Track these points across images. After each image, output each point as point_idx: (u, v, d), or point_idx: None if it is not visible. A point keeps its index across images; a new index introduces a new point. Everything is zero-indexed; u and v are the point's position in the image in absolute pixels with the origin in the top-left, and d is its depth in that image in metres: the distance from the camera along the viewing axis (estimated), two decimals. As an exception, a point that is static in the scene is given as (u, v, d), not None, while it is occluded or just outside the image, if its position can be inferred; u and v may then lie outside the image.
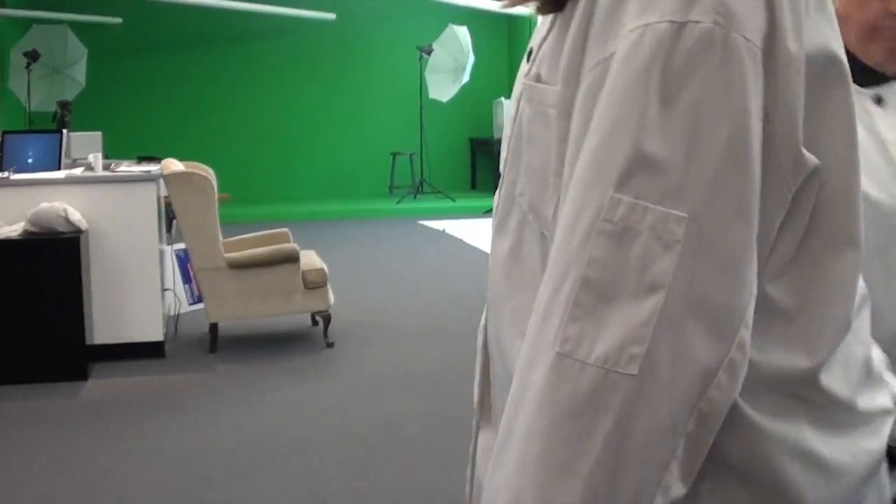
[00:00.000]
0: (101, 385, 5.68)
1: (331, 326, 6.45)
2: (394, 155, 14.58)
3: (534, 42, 1.04)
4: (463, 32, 13.87)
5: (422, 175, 14.38)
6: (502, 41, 15.61)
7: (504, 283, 1.06)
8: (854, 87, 0.95)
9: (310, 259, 6.55)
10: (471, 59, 13.76)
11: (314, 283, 6.30)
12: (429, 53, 14.13)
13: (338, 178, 14.99)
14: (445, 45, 14.16)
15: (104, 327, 6.10)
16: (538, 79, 0.99)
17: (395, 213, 13.55)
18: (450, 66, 14.21)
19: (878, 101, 1.40)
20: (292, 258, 6.28)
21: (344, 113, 14.99)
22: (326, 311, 6.39)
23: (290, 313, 6.49)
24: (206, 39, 14.66)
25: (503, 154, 1.09)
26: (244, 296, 6.24)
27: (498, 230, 1.08)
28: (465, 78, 13.82)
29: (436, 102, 14.34)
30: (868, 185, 1.23)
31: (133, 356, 6.08)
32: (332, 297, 6.43)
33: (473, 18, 14.31)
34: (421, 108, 14.44)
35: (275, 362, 6.12)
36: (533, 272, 1.00)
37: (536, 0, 0.98)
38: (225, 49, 14.77)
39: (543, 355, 0.85)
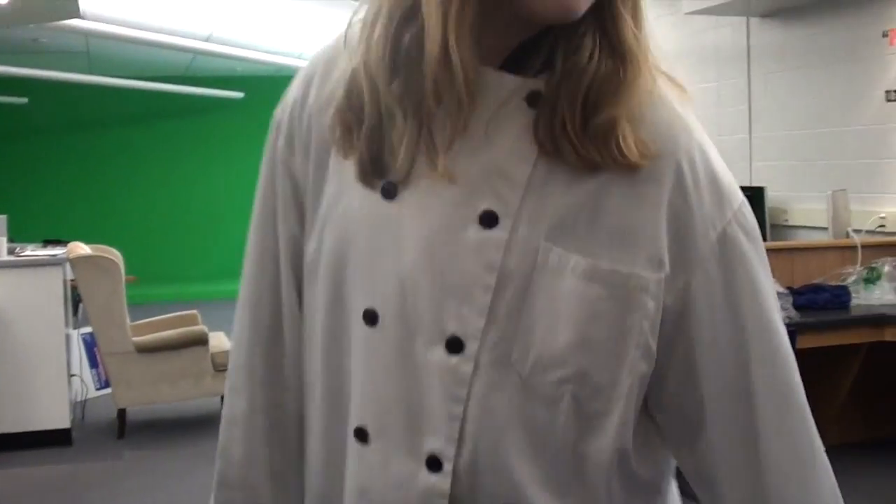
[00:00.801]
0: (5, 476, 5.54)
1: (242, 409, 6.37)
2: (305, 232, 14.54)
3: (500, 208, 1.08)
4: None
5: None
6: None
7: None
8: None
9: (219, 341, 6.50)
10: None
11: (224, 366, 6.24)
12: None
13: (248, 256, 14.86)
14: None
15: (8, 416, 5.96)
16: (593, 256, 1.08)
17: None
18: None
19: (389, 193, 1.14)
20: (201, 340, 6.24)
21: (253, 191, 14.90)
22: (237, 393, 6.32)
23: (201, 397, 6.42)
24: (113, 119, 14.57)
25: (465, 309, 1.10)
26: (153, 380, 6.16)
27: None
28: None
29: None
30: None
31: (39, 445, 5.95)
32: (242, 379, 6.36)
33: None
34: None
35: (185, 447, 6.03)
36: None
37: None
38: (133, 129, 14.69)
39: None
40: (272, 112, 1.27)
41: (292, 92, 1.24)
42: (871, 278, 5.27)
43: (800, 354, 4.16)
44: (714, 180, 1.11)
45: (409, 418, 1.11)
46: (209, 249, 14.81)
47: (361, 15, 1.12)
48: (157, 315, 6.92)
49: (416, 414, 1.11)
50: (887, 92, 6.36)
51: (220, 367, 6.21)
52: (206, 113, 14.67)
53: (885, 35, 6.35)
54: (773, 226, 7.16)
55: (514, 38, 1.10)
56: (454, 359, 1.09)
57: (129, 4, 9.27)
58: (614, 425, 1.09)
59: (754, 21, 7.56)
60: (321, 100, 1.18)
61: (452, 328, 1.09)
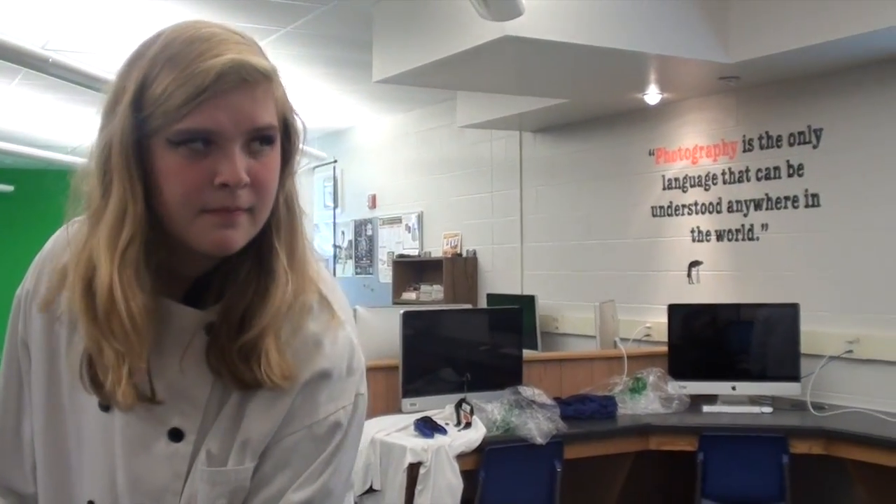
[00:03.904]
0: None
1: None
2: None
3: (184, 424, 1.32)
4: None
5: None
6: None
7: None
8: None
9: None
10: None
11: None
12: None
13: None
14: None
15: None
16: (220, 462, 1.32)
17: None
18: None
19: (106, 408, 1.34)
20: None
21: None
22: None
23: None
24: None
25: None
26: None
27: None
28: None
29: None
30: None
31: None
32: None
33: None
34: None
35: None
36: None
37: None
38: None
39: None
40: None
41: (27, 282, 1.43)
42: (637, 388, 5.37)
43: (567, 464, 4.13)
44: (321, 389, 1.34)
45: None
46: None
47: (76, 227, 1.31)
48: None
49: None
50: (653, 207, 6.62)
51: None
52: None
53: (651, 154, 6.63)
54: (544, 333, 7.28)
55: (192, 270, 1.31)
56: None
57: None
58: None
59: (527, 136, 7.78)
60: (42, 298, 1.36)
61: None
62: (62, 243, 1.35)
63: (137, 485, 1.30)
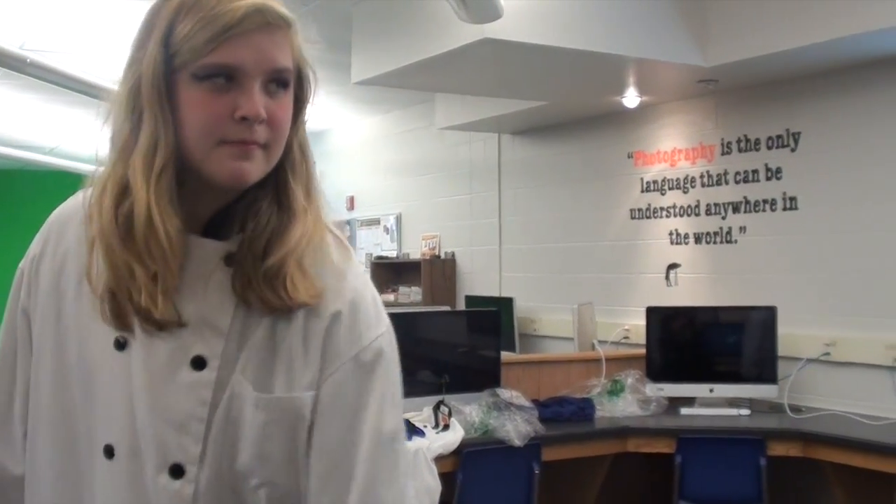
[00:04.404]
0: None
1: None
2: None
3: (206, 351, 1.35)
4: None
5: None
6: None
7: None
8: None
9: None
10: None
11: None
12: None
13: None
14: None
15: None
16: (267, 389, 1.36)
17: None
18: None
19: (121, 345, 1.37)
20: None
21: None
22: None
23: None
24: None
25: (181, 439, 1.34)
26: None
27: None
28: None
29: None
30: None
31: None
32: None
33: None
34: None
35: None
36: None
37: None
38: None
39: None
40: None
41: (33, 248, 1.46)
42: (615, 390, 5.38)
43: (545, 467, 4.13)
44: (358, 318, 1.41)
45: None
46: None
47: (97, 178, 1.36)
48: None
49: None
50: (631, 210, 6.63)
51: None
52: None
53: (629, 156, 6.64)
54: (522, 335, 7.28)
55: (208, 206, 1.38)
56: (177, 483, 1.32)
57: None
58: None
59: (506, 138, 7.78)
60: (57, 258, 1.42)
61: (174, 457, 1.32)
62: (73, 206, 1.43)
63: (160, 415, 1.33)
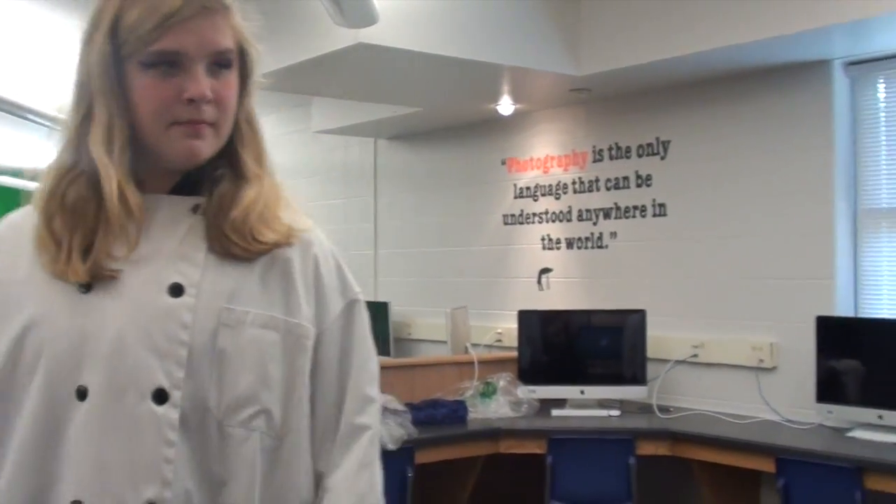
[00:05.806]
0: None
1: None
2: None
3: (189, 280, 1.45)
4: None
5: None
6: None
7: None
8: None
9: None
10: None
11: None
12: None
13: None
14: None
15: None
16: (267, 309, 1.48)
17: None
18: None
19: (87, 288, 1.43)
20: None
21: None
22: None
23: None
24: None
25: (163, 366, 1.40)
26: None
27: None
28: None
29: None
30: None
31: None
32: None
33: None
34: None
35: None
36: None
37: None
38: None
39: None
40: None
41: None
42: (488, 392, 5.43)
43: (419, 469, 4.15)
44: (341, 271, 1.61)
45: (128, 475, 1.34)
46: None
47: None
48: None
49: (133, 469, 1.34)
50: (505, 215, 6.71)
51: None
52: None
53: (503, 163, 6.72)
54: (397, 339, 7.30)
55: (170, 178, 1.50)
56: (162, 408, 1.36)
57: None
58: (301, 451, 1.50)
59: (382, 143, 7.79)
60: (10, 257, 1.49)
61: (158, 381, 1.37)
62: (23, 213, 1.52)
63: (141, 342, 1.39)
